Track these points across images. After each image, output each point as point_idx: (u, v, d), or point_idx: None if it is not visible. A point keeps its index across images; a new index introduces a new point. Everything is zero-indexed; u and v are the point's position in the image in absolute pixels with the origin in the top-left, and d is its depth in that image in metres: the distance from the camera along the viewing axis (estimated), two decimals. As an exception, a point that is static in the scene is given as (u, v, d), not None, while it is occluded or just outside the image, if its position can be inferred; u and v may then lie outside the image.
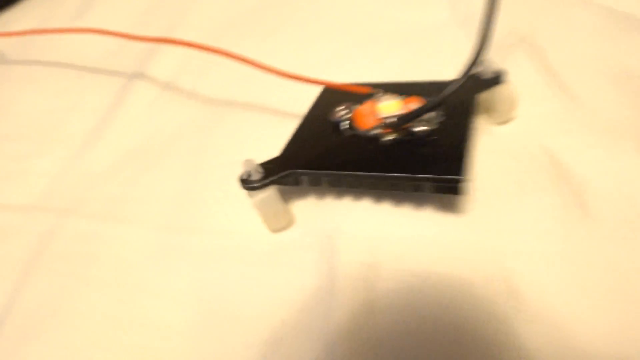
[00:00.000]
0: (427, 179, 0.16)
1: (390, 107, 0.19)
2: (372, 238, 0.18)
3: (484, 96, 0.21)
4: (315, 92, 0.23)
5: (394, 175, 0.17)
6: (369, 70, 0.27)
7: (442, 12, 0.30)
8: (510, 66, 0.25)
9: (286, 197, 0.20)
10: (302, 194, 0.20)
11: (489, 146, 0.21)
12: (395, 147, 0.18)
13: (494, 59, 0.25)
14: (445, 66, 0.26)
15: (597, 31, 0.28)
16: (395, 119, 0.18)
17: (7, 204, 0.22)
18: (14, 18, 0.38)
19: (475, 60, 0.17)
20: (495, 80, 0.20)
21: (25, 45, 0.32)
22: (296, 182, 0.18)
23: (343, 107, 0.20)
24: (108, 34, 0.26)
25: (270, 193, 0.18)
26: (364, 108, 0.20)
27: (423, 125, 0.18)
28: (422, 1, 0.31)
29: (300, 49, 0.29)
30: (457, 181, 0.16)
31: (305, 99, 0.23)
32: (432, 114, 0.18)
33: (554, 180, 0.19)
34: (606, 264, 0.16)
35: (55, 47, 0.31)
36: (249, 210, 0.20)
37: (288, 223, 0.19)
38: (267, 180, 0.18)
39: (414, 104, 0.19)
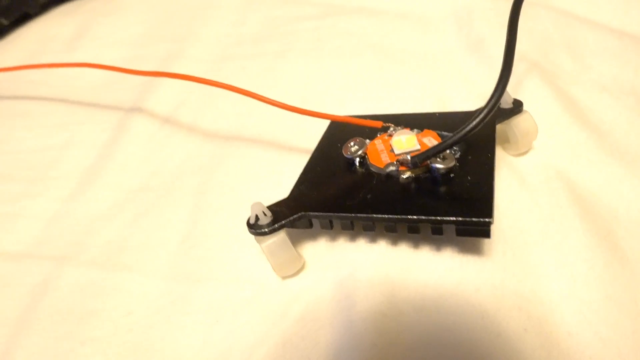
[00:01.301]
0: (451, 221, 0.15)
1: (405, 142, 0.18)
2: (390, 286, 0.16)
3: (501, 126, 0.20)
4: (321, 124, 0.21)
5: (413, 218, 0.15)
6: (377, 100, 0.26)
7: (448, 39, 0.29)
8: (525, 94, 0.24)
9: (296, 238, 0.18)
10: (313, 235, 0.19)
11: (508, 179, 0.20)
12: (413, 186, 0.17)
13: (508, 87, 0.25)
14: (457, 93, 0.25)
15: (610, 55, 0.27)
16: (411, 157, 0.17)
17: (-3, 251, 0.21)
18: (2, 51, 0.37)
19: (500, 94, 0.16)
20: (514, 110, 0.20)
21: (15, 79, 0.31)
22: (308, 225, 0.17)
23: (354, 142, 0.19)
24: (104, 68, 0.25)
25: (280, 238, 0.17)
26: (377, 144, 0.19)
27: (441, 163, 0.17)
28: (428, 28, 0.31)
29: (305, 78, 0.28)
30: (485, 224, 0.15)
31: (311, 131, 0.22)
32: (448, 151, 0.17)
33: (581, 217, 0.18)
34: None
35: (47, 80, 0.30)
36: (257, 255, 0.19)
37: (299, 269, 0.18)
38: (277, 225, 0.17)
39: (429, 138, 0.18)
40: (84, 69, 0.29)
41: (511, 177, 0.20)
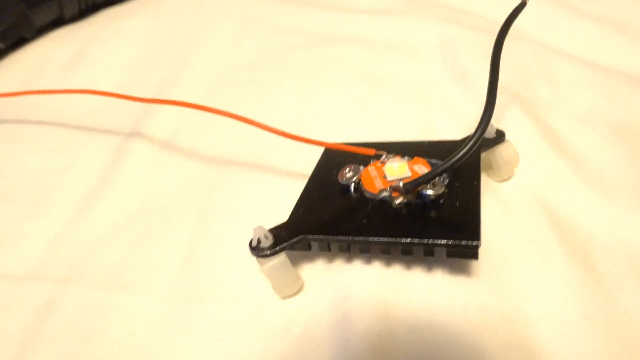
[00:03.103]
0: (442, 245, 0.16)
1: (397, 169, 0.19)
2: (384, 306, 0.17)
3: (485, 154, 0.21)
4: (316, 150, 0.23)
5: (406, 241, 0.17)
6: (368, 127, 0.27)
7: (435, 69, 0.31)
8: (507, 123, 0.26)
9: (295, 260, 0.19)
10: (311, 257, 0.20)
11: (491, 205, 0.21)
12: (405, 211, 0.18)
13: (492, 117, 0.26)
14: (443, 121, 0.27)
15: (585, 86, 0.29)
16: (404, 184, 0.18)
17: (-2, 273, 0.21)
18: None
19: (484, 127, 0.17)
20: (497, 139, 0.21)
21: (14, 103, 0.31)
22: (307, 248, 0.18)
23: (349, 169, 0.20)
24: (103, 95, 0.26)
25: (280, 259, 0.18)
26: (371, 170, 0.20)
27: (431, 189, 0.18)
28: (415, 58, 0.32)
29: (299, 105, 0.29)
30: (473, 247, 0.16)
31: (306, 157, 0.23)
32: (437, 178, 0.18)
33: (559, 241, 0.19)
34: (622, 327, 0.16)
35: (46, 104, 0.31)
36: (257, 276, 0.19)
37: (298, 289, 0.18)
38: (278, 247, 0.17)
39: (419, 165, 0.20)
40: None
41: (494, 203, 0.21)
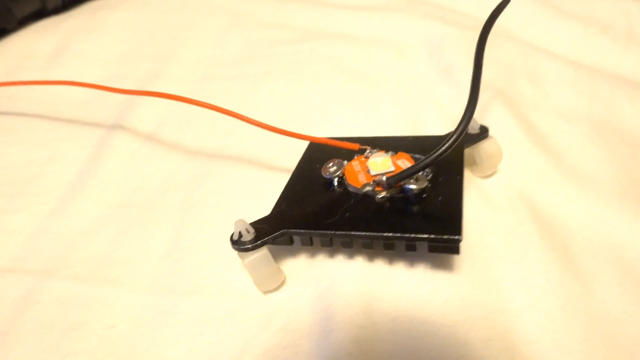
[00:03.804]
0: (423, 239, 0.16)
1: (381, 164, 0.19)
2: (366, 298, 0.18)
3: (469, 150, 0.21)
4: (301, 144, 0.23)
5: (388, 235, 0.17)
6: (354, 122, 0.27)
7: (420, 64, 0.31)
8: (491, 120, 0.26)
9: (277, 254, 0.19)
10: (293, 251, 0.20)
11: (474, 199, 0.21)
12: (388, 205, 0.18)
13: (475, 113, 0.26)
14: (428, 116, 0.27)
15: (567, 84, 0.29)
16: (387, 178, 0.18)
17: (-23, 266, 0.21)
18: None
19: (467, 123, 0.17)
20: (480, 135, 0.21)
21: (-5, 94, 0.31)
22: (289, 242, 0.18)
23: (332, 163, 0.20)
24: (86, 86, 0.25)
25: (262, 254, 0.18)
26: (354, 165, 0.20)
27: (414, 184, 0.18)
28: (401, 54, 0.32)
29: (285, 100, 0.29)
30: (455, 241, 0.16)
31: (291, 151, 0.23)
32: (420, 172, 0.18)
33: (540, 234, 0.19)
34: (599, 318, 0.16)
35: (28, 96, 0.30)
36: (239, 269, 0.19)
37: (280, 284, 0.18)
38: (259, 241, 0.17)
39: (402, 160, 0.20)
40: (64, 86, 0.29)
41: (477, 198, 0.21)
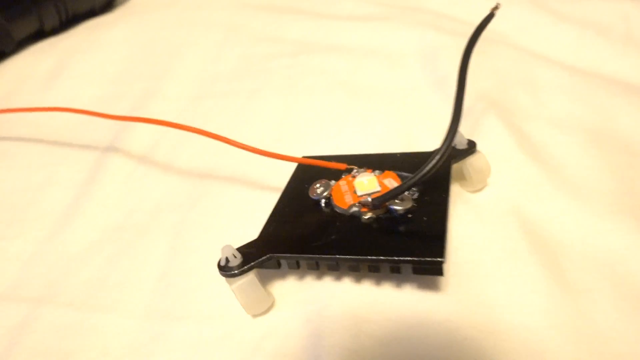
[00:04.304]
0: (407, 261, 0.16)
1: (367, 184, 0.19)
2: (354, 321, 0.17)
3: (457, 165, 0.21)
4: (292, 163, 0.23)
5: (372, 259, 0.17)
6: (348, 137, 0.27)
7: (414, 76, 0.31)
8: (483, 132, 0.26)
9: (266, 277, 0.19)
10: (282, 274, 0.20)
11: (464, 215, 0.21)
12: (374, 226, 0.18)
13: (467, 125, 0.26)
14: (422, 129, 0.27)
15: (563, 91, 0.29)
16: (372, 199, 0.18)
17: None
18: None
19: (449, 143, 0.17)
20: (468, 150, 0.21)
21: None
22: (276, 266, 0.18)
23: (320, 184, 0.20)
24: (78, 112, 0.26)
25: (249, 279, 0.18)
26: (342, 185, 0.20)
27: (399, 204, 0.18)
28: (395, 65, 0.33)
29: (279, 116, 0.30)
30: (437, 263, 0.16)
31: (282, 170, 0.23)
32: (406, 192, 0.18)
33: (530, 250, 0.19)
34: (589, 336, 0.16)
35: (24, 119, 0.31)
36: (230, 293, 0.19)
37: (269, 307, 0.19)
38: (246, 267, 0.18)
39: (389, 179, 0.20)
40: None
41: (467, 213, 0.21)
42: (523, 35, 0.36)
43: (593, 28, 0.36)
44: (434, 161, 0.17)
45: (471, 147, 0.21)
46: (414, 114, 0.28)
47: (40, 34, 0.43)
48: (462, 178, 0.22)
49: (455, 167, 0.21)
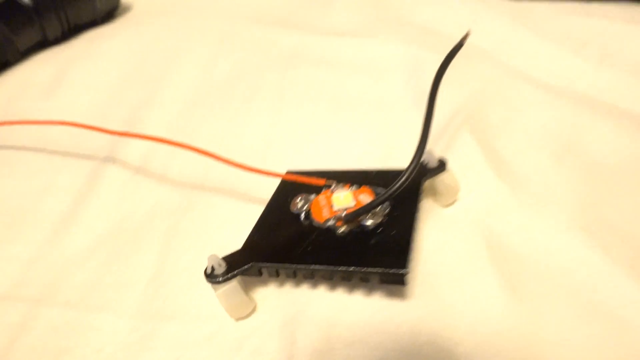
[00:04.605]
0: (374, 272, 0.18)
1: (343, 199, 0.21)
2: (326, 325, 0.19)
3: (429, 182, 0.23)
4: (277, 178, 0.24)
5: (345, 268, 0.18)
6: (331, 149, 0.29)
7: (397, 90, 0.33)
8: (456, 147, 0.27)
9: (250, 284, 0.21)
10: (264, 281, 0.21)
11: (434, 228, 0.23)
12: (347, 239, 0.20)
13: (442, 141, 0.28)
14: (401, 144, 0.28)
15: (536, 108, 0.30)
16: (345, 214, 0.20)
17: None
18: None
19: (416, 164, 0.19)
20: (439, 168, 0.23)
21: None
22: (257, 274, 0.20)
23: (300, 198, 0.22)
24: (77, 126, 0.28)
25: (232, 285, 0.19)
26: (320, 200, 0.22)
27: (370, 219, 0.20)
28: (380, 78, 0.34)
29: (267, 126, 0.31)
30: (401, 274, 0.18)
31: (268, 182, 0.24)
32: (378, 207, 0.20)
33: (491, 261, 0.21)
34: (538, 340, 0.18)
35: (26, 129, 0.32)
36: (215, 296, 0.21)
37: (251, 311, 0.20)
38: (229, 275, 0.19)
39: (364, 195, 0.21)
40: (61, 115, 0.31)
41: (437, 226, 0.23)
42: (503, 51, 0.38)
43: (571, 44, 0.37)
44: (399, 182, 0.19)
45: (441, 165, 0.23)
46: (395, 128, 0.29)
47: (43, 44, 0.44)
48: (434, 193, 0.24)
49: (427, 183, 0.23)
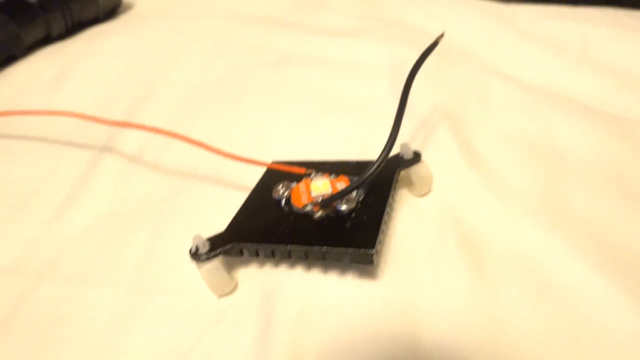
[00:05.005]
0: (345, 252, 0.20)
1: (321, 186, 0.23)
2: (302, 297, 0.21)
3: (405, 172, 0.24)
4: (263, 166, 0.26)
5: (318, 248, 0.20)
6: (315, 143, 0.30)
7: (381, 88, 0.34)
8: (433, 140, 0.29)
9: (232, 265, 0.23)
10: (246, 262, 0.23)
11: (409, 216, 0.24)
12: (323, 223, 0.21)
13: (420, 133, 0.30)
14: (379, 138, 0.30)
15: (513, 105, 0.32)
16: (322, 199, 0.21)
17: (-18, 268, 0.25)
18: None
19: (388, 152, 0.21)
20: (413, 160, 0.24)
21: (1, 119, 0.35)
22: (238, 254, 0.22)
23: (282, 185, 0.24)
24: (77, 117, 0.29)
25: (214, 264, 0.21)
26: (300, 187, 0.23)
27: (345, 204, 0.21)
28: (366, 77, 0.36)
29: (257, 121, 0.33)
30: (370, 254, 0.19)
31: (254, 172, 0.26)
32: (352, 194, 0.22)
33: (457, 246, 0.22)
34: (500, 314, 0.20)
35: (30, 119, 0.34)
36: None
37: (232, 289, 0.22)
38: (212, 254, 0.21)
39: (341, 182, 0.23)
40: (64, 107, 0.33)
41: (411, 214, 0.24)
42: (488, 51, 0.39)
43: (552, 46, 0.39)
44: (371, 170, 0.21)
45: (416, 157, 0.24)
46: (376, 123, 0.31)
47: (47, 39, 0.46)
48: (409, 184, 0.25)
49: (403, 174, 0.24)
